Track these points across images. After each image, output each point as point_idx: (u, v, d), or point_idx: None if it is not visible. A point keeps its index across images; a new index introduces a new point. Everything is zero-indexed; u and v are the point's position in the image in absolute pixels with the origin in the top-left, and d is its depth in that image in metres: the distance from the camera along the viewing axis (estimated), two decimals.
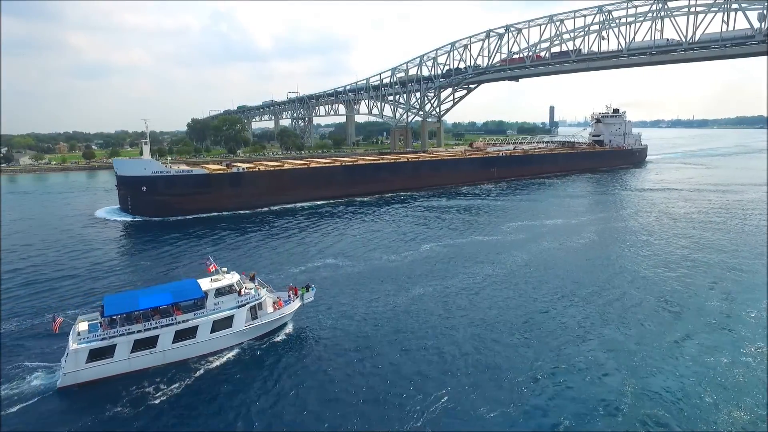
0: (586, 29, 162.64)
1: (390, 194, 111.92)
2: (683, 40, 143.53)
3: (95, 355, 31.39)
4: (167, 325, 33.52)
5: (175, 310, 34.36)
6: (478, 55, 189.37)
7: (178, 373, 32.34)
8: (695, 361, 33.17)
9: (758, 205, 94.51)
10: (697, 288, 47.46)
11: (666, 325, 38.89)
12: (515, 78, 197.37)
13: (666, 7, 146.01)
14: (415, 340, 36.53)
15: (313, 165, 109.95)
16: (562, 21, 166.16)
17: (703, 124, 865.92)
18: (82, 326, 33.09)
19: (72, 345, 31.12)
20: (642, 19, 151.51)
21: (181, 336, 33.89)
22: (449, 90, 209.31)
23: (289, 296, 39.62)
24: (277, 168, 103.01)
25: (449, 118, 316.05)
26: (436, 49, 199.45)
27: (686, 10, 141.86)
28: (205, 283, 36.56)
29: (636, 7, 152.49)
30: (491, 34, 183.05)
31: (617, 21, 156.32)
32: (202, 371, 32.72)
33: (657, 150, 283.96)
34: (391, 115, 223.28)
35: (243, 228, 77.82)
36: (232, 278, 37.31)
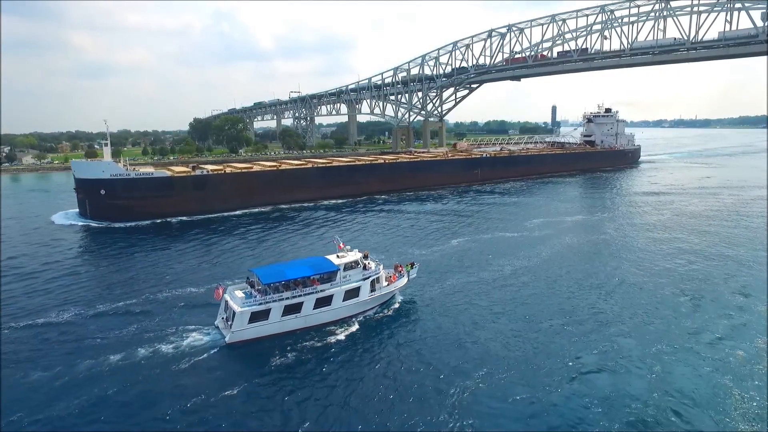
0: (589, 29, 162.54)
1: (366, 196, 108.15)
2: (686, 39, 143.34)
3: (255, 317, 37.06)
4: (309, 294, 39.14)
5: (313, 281, 39.95)
6: (481, 54, 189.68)
7: (318, 335, 38.06)
8: (711, 351, 35.09)
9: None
10: (713, 282, 49.70)
11: (688, 317, 40.83)
12: (517, 78, 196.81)
13: (668, 6, 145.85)
14: (476, 313, 42.14)
15: (284, 167, 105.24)
16: (564, 20, 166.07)
17: (705, 123, 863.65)
18: (239, 293, 38.89)
19: (237, 308, 36.67)
20: (644, 18, 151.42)
21: (320, 303, 39.55)
22: (451, 89, 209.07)
23: (399, 272, 45.33)
24: (245, 170, 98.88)
25: (451, 118, 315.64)
26: (438, 49, 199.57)
27: (689, 9, 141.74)
28: (334, 259, 42.02)
29: (638, 6, 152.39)
30: (493, 33, 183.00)
31: (620, 21, 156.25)
32: (336, 334, 38.27)
33: (662, 149, 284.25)
34: (393, 114, 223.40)
35: (209, 232, 74.63)
36: (355, 255, 42.93)
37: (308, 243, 66.61)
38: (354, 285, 41.23)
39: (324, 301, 39.66)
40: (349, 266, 41.71)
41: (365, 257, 44.30)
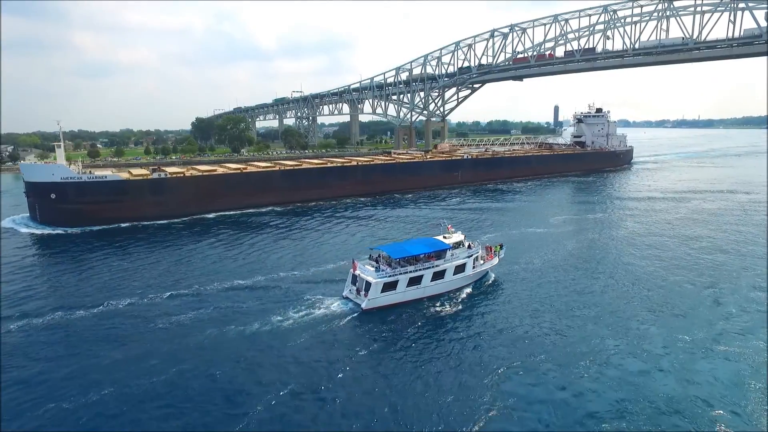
0: (591, 29, 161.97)
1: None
2: (689, 39, 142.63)
3: (386, 287, 43.30)
4: (428, 268, 45.52)
5: (429, 258, 46.72)
6: (483, 54, 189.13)
7: (434, 304, 44.80)
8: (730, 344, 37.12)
9: None
10: (730, 276, 52.07)
11: (711, 312, 42.95)
12: (520, 78, 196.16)
13: (672, 6, 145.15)
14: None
15: (249, 170, 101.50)
16: (567, 20, 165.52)
17: (708, 124, 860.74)
18: (369, 267, 44.99)
19: (372, 280, 42.88)
20: (647, 18, 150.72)
21: (436, 277, 46.03)
22: (453, 89, 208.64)
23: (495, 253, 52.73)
24: (206, 173, 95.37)
25: (453, 118, 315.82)
26: (441, 49, 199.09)
27: (692, 9, 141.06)
28: (442, 239, 48.87)
29: (641, 6, 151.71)
30: (496, 33, 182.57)
31: (622, 21, 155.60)
32: (448, 304, 45.12)
33: (667, 149, 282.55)
34: (395, 114, 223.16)
35: (164, 238, 72.59)
36: (460, 236, 50.24)
37: (314, 245, 67.41)
38: (462, 261, 47.69)
39: (439, 275, 46.12)
40: (456, 245, 48.67)
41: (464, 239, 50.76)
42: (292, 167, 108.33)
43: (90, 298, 45.91)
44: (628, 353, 35.30)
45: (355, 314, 41.70)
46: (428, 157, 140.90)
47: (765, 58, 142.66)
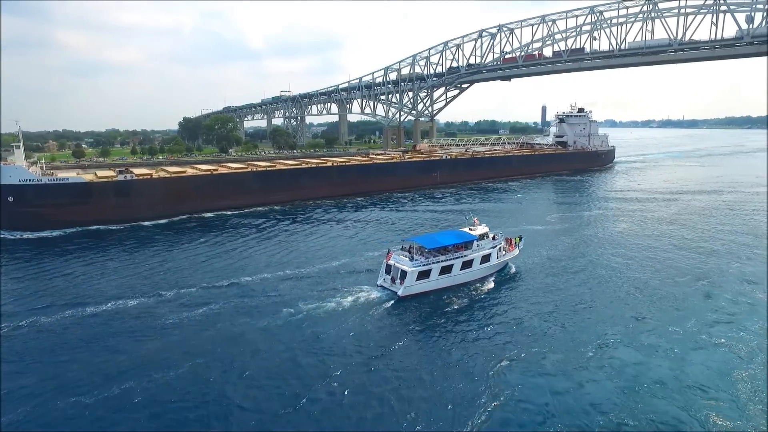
0: (579, 29, 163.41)
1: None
2: (674, 40, 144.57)
3: (421, 275, 46.27)
4: (458, 258, 48.60)
5: (458, 248, 49.53)
6: (471, 54, 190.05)
7: (463, 291, 48.16)
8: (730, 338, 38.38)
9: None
10: (725, 272, 53.92)
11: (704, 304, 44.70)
12: (508, 78, 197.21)
13: (656, 8, 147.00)
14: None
15: (220, 171, 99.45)
16: (554, 21, 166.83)
17: (693, 124, 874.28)
18: (404, 257, 47.70)
19: (408, 268, 45.75)
20: (633, 20, 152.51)
21: (464, 266, 49.05)
22: (442, 89, 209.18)
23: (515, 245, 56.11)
24: (175, 175, 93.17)
25: (442, 118, 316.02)
26: (429, 49, 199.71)
27: (676, 11, 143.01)
28: (469, 231, 52.09)
29: (627, 8, 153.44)
30: (484, 33, 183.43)
31: (608, 21, 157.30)
32: (476, 291, 48.55)
33: (655, 149, 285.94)
34: (383, 114, 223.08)
35: (127, 242, 70.31)
36: (484, 228, 53.31)
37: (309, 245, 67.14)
38: (487, 251, 50.84)
39: (467, 264, 49.09)
40: (481, 237, 51.69)
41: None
42: (265, 168, 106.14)
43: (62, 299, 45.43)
44: (632, 350, 35.94)
45: (392, 301, 44.64)
46: (406, 157, 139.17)
47: (749, 59, 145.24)
